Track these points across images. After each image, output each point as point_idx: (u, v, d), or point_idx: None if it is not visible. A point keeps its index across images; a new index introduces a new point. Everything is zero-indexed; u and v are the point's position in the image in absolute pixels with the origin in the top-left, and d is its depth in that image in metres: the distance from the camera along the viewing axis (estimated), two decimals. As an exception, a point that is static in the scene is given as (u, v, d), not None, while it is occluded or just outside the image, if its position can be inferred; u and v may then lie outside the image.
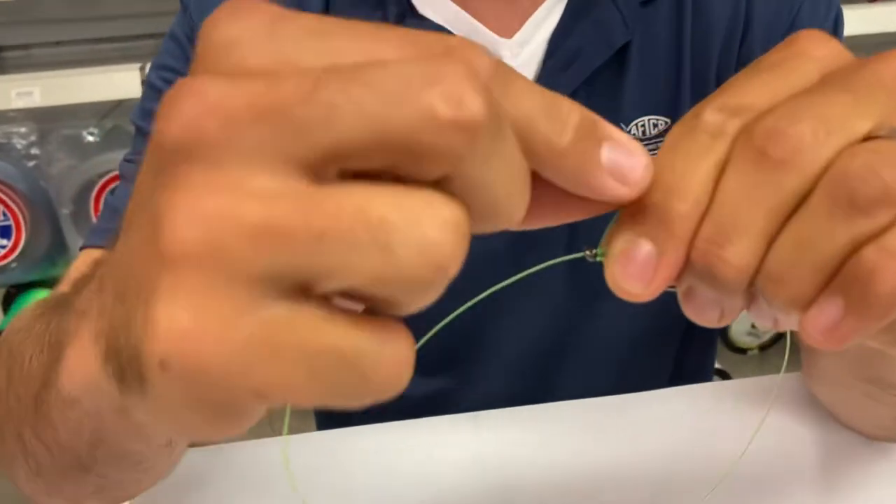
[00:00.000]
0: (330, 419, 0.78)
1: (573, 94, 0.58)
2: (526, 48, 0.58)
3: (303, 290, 0.17)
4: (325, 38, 0.18)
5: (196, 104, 0.17)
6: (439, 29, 0.57)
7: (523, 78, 0.20)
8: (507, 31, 0.58)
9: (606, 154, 0.21)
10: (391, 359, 0.18)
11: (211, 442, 0.51)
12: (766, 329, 0.25)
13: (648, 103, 0.59)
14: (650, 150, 0.60)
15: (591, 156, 0.21)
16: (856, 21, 1.13)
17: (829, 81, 0.23)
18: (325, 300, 0.18)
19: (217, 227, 0.17)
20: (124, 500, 0.45)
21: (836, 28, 0.61)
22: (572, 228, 0.61)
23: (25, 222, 1.26)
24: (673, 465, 0.53)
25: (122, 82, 1.13)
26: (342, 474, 0.54)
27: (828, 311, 0.22)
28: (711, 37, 0.58)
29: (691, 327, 0.71)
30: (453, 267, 0.17)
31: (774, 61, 0.24)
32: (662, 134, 0.60)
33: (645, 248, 0.23)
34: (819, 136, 0.21)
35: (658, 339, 0.69)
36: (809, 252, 0.21)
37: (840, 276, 0.22)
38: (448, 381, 0.69)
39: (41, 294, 1.34)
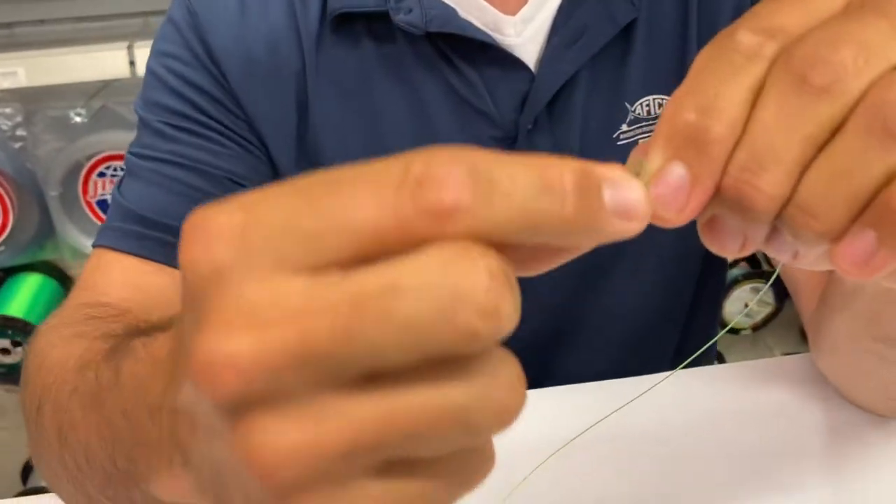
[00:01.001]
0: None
1: (578, 73, 0.57)
2: (530, 25, 0.57)
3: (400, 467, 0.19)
4: (297, 228, 0.18)
5: (237, 374, 0.18)
6: (441, 4, 0.56)
7: (505, 166, 0.19)
8: (511, 7, 0.57)
9: (608, 198, 0.20)
10: (487, 459, 0.22)
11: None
12: (783, 261, 0.25)
13: (654, 82, 0.58)
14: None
15: (597, 209, 0.20)
16: None
17: (862, 5, 0.22)
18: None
19: (303, 461, 0.18)
20: None
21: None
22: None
23: (12, 205, 1.24)
24: (677, 448, 0.53)
25: (110, 62, 1.11)
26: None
27: (860, 243, 0.22)
28: (719, 15, 0.58)
29: (694, 308, 0.71)
30: (521, 409, 0.20)
31: None
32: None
33: (678, 171, 0.22)
34: (859, 63, 0.21)
35: (661, 318, 0.69)
36: (843, 182, 0.21)
37: (872, 207, 0.21)
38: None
39: (30, 278, 1.32)
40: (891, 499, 0.49)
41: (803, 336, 1.68)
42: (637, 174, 0.23)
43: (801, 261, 0.25)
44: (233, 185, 0.58)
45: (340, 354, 0.18)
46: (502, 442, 0.52)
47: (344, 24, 0.57)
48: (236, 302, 0.18)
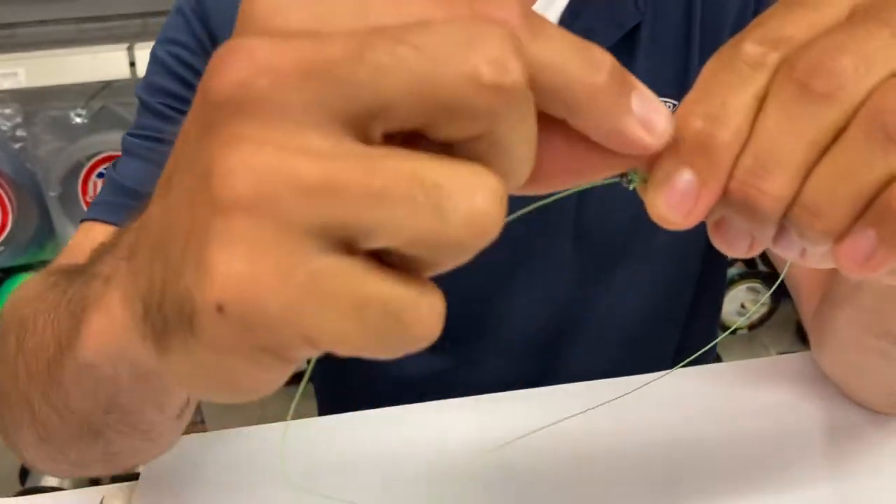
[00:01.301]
0: (331, 403, 0.78)
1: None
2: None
3: (350, 246, 0.18)
4: (355, 78, 0.18)
5: (246, 62, 0.18)
6: None
7: (553, 24, 0.20)
8: None
9: (637, 102, 0.21)
10: (428, 310, 0.19)
11: (212, 427, 0.51)
12: (792, 260, 0.25)
13: (658, 84, 0.59)
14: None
15: (622, 100, 0.21)
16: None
17: (864, 15, 0.23)
18: (370, 255, 0.18)
19: (272, 180, 0.17)
20: (127, 468, 0.46)
21: None
22: (577, 213, 0.61)
23: (12, 205, 1.24)
24: (678, 446, 0.54)
25: (110, 63, 1.11)
26: (343, 459, 0.55)
27: (861, 242, 0.23)
28: (722, 19, 0.58)
29: (694, 308, 0.71)
30: (495, 234, 0.18)
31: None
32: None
33: (686, 176, 0.23)
34: (860, 70, 0.22)
35: (661, 318, 0.69)
36: (846, 183, 0.22)
37: (872, 208, 0.22)
38: (449, 362, 0.69)
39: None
40: (888, 496, 0.50)
41: (799, 335, 1.69)
42: (630, 183, 0.24)
43: (807, 259, 0.26)
44: None
45: (348, 76, 0.17)
46: (498, 434, 0.52)
47: None
48: (270, 22, 0.19)
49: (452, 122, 0.18)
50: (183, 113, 0.57)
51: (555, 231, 0.62)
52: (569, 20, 0.57)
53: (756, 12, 0.58)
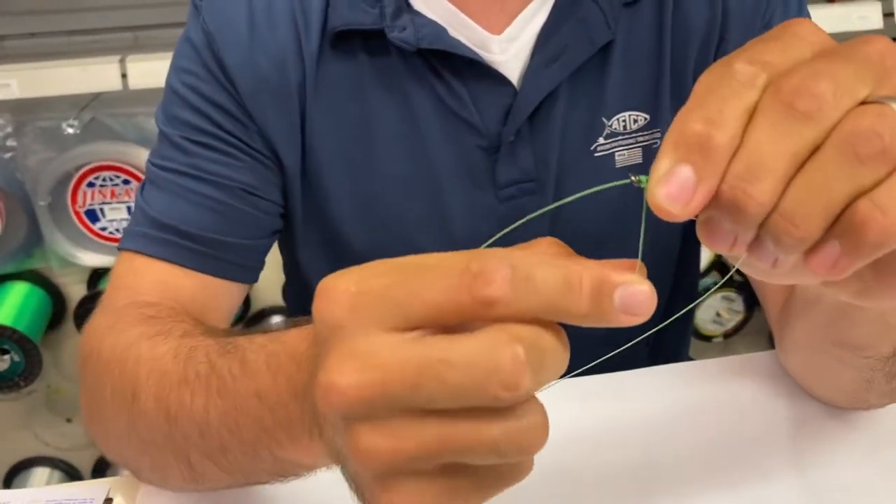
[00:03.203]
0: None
1: (558, 88, 0.61)
2: (514, 44, 0.61)
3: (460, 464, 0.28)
4: (391, 301, 0.27)
5: (343, 399, 0.27)
6: (432, 23, 0.60)
7: (537, 266, 0.27)
8: (497, 27, 0.61)
9: (618, 299, 0.26)
10: (529, 462, 0.29)
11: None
12: (761, 269, 0.29)
13: (630, 99, 0.63)
14: (630, 144, 0.64)
15: (606, 307, 0.27)
16: (815, 21, 1.18)
17: (832, 53, 0.27)
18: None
19: (394, 457, 0.27)
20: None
21: None
22: (552, 220, 0.64)
23: (1, 214, 1.26)
24: (651, 438, 0.57)
25: (102, 75, 1.13)
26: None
27: (828, 252, 0.26)
28: (690, 39, 0.62)
29: (668, 309, 0.74)
30: (545, 442, 0.28)
31: (776, 35, 0.28)
32: (643, 129, 0.64)
33: (686, 171, 0.26)
34: (836, 95, 0.26)
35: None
36: (819, 196, 0.25)
37: (839, 223, 0.26)
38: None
39: (17, 287, 1.33)
40: (847, 482, 0.53)
41: (772, 343, 1.72)
42: (640, 183, 0.28)
43: (777, 268, 0.29)
44: (246, 195, 0.62)
45: (408, 397, 0.26)
46: None
47: (342, 40, 0.61)
48: (347, 350, 0.27)
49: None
50: (199, 144, 0.61)
51: (532, 237, 0.65)
52: (544, 38, 0.61)
53: (722, 35, 0.62)
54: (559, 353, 0.27)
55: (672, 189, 0.26)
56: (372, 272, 0.28)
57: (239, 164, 0.62)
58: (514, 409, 0.26)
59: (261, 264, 0.66)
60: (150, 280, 0.60)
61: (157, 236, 0.60)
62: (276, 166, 0.64)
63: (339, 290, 0.27)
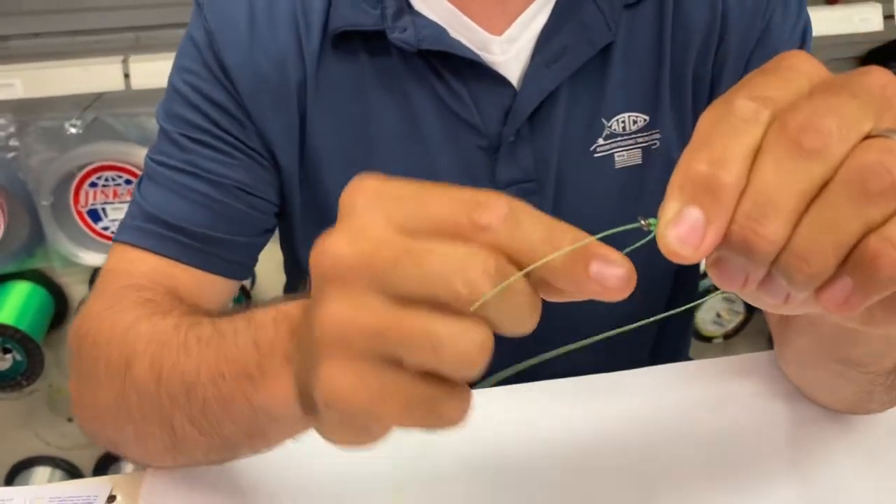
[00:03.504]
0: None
1: (558, 89, 0.61)
2: (514, 45, 0.61)
3: (399, 364, 0.29)
4: (404, 203, 0.30)
5: (332, 260, 0.30)
6: (433, 24, 0.60)
7: (531, 216, 0.29)
8: (497, 28, 0.61)
9: (594, 268, 0.28)
10: (457, 403, 0.30)
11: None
12: (775, 304, 0.29)
13: (629, 100, 0.63)
14: (630, 145, 0.64)
15: (579, 271, 0.28)
16: (815, 23, 1.18)
17: (833, 87, 0.27)
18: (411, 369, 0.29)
19: (348, 328, 0.29)
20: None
21: (804, 37, 0.65)
22: (555, 210, 0.65)
23: (3, 214, 1.26)
24: (651, 438, 0.57)
25: (104, 75, 1.13)
26: (338, 452, 0.56)
27: (840, 289, 0.26)
28: (689, 42, 0.62)
29: (669, 309, 0.75)
30: (475, 367, 0.28)
31: (773, 69, 0.28)
32: (642, 130, 0.64)
33: (695, 214, 0.26)
34: (842, 131, 0.25)
35: (638, 318, 0.72)
36: (830, 233, 0.25)
37: (850, 259, 0.26)
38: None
39: (20, 286, 1.34)
40: (846, 482, 0.53)
41: (772, 344, 1.72)
42: (649, 226, 0.28)
43: (790, 302, 0.29)
44: (241, 193, 0.63)
45: (387, 272, 0.28)
46: (491, 434, 0.54)
47: (343, 41, 0.62)
48: (349, 224, 0.30)
49: (454, 309, 0.28)
50: (197, 142, 0.62)
51: None
52: (545, 39, 0.61)
53: (721, 38, 0.62)
54: (524, 301, 0.29)
55: (682, 231, 0.26)
56: (401, 182, 0.30)
57: (235, 163, 0.62)
58: (463, 318, 0.28)
59: (253, 262, 0.67)
60: (144, 270, 0.61)
61: (151, 230, 0.61)
62: (272, 166, 0.64)
63: (367, 182, 0.30)
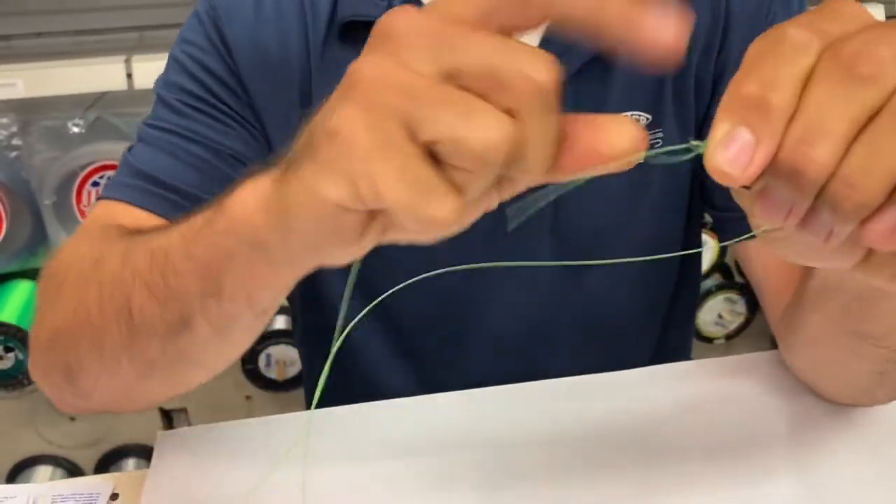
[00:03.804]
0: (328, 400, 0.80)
1: (562, 86, 0.61)
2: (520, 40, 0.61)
3: (414, 138, 0.27)
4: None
5: (402, 17, 0.28)
6: None
7: None
8: None
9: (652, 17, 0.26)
10: (448, 203, 0.28)
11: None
12: (817, 247, 0.29)
13: (633, 99, 0.63)
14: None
15: (636, 15, 0.26)
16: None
17: (883, 24, 0.26)
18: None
19: (384, 79, 0.27)
20: (177, 391, 0.50)
21: None
22: (555, 216, 0.65)
23: (6, 213, 1.26)
24: (655, 438, 0.57)
25: (107, 74, 1.14)
26: (340, 452, 0.57)
27: (888, 219, 0.26)
28: (692, 43, 0.62)
29: (670, 312, 0.75)
30: (494, 163, 0.27)
31: (821, 10, 0.28)
32: (645, 128, 0.64)
33: (745, 134, 0.26)
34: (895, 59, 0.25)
35: (640, 317, 0.73)
36: (880, 159, 0.25)
37: None
38: (434, 364, 0.72)
39: (22, 285, 1.34)
40: (847, 481, 0.53)
41: (773, 345, 1.72)
42: (697, 149, 0.27)
43: (831, 242, 0.28)
44: (235, 161, 0.63)
45: (456, 42, 0.27)
46: (493, 435, 0.54)
47: (349, 31, 0.62)
48: (397, 43, 0.28)
49: (504, 94, 0.27)
50: (195, 109, 0.62)
51: (534, 234, 0.66)
52: (549, 37, 0.61)
53: (723, 41, 0.63)
54: (556, 133, 0.28)
55: (731, 152, 0.26)
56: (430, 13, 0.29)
57: (231, 132, 0.63)
58: (499, 112, 0.27)
59: None
60: (127, 221, 0.58)
61: (140, 186, 0.60)
62: (264, 140, 0.65)
63: (408, 21, 0.29)
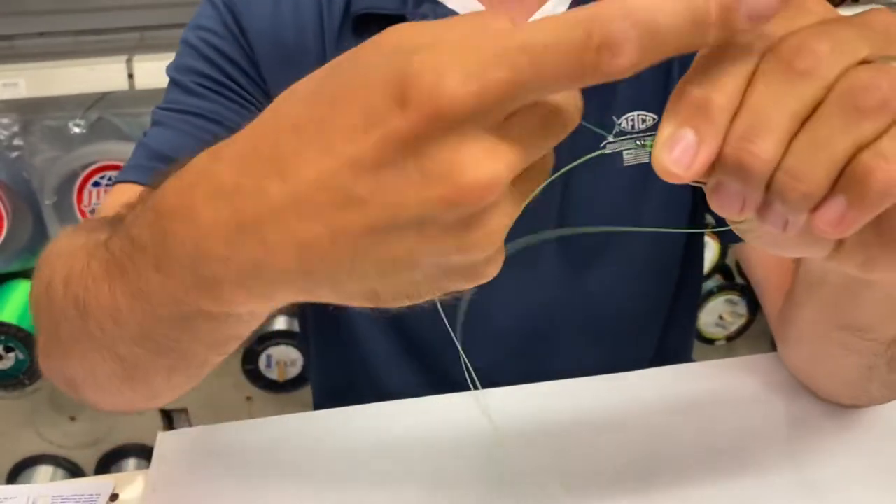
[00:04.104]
0: (329, 400, 0.80)
1: None
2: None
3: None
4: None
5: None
6: (451, 13, 0.62)
7: None
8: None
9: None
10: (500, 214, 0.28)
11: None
12: (774, 236, 0.29)
13: (639, 99, 0.63)
14: (638, 144, 0.64)
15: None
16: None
17: (832, 20, 0.27)
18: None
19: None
20: (174, 397, 0.46)
21: None
22: (560, 215, 0.65)
23: (7, 212, 1.26)
24: (655, 439, 0.57)
25: (108, 75, 1.14)
26: (341, 452, 0.57)
27: (834, 207, 0.26)
28: None
29: (671, 311, 0.75)
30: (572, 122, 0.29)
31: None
32: (651, 129, 0.64)
33: (688, 134, 0.27)
34: (835, 53, 0.26)
35: (640, 320, 0.73)
36: (822, 151, 0.26)
37: (843, 177, 0.26)
38: (438, 363, 0.72)
39: (23, 285, 1.34)
40: (846, 482, 0.53)
41: (774, 346, 1.72)
42: (646, 146, 0.28)
43: (789, 232, 0.29)
44: None
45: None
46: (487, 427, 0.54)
47: (363, 23, 0.63)
48: (452, 46, 0.25)
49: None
50: (210, 90, 0.62)
51: (540, 226, 0.66)
52: None
53: None
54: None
55: (675, 152, 0.27)
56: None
57: (246, 112, 0.63)
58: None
59: None
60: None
61: (155, 166, 0.60)
62: None
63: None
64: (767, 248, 0.33)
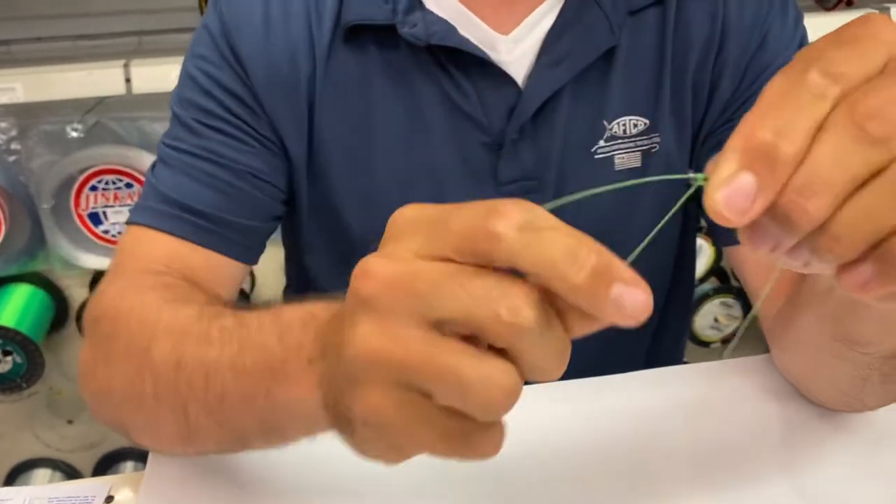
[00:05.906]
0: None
1: (561, 90, 0.62)
2: (520, 45, 0.62)
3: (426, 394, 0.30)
4: (436, 226, 0.30)
5: (373, 281, 0.30)
6: (442, 21, 0.62)
7: (555, 229, 0.28)
8: (504, 28, 0.62)
9: (616, 291, 0.27)
10: (491, 438, 0.32)
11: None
12: (789, 267, 0.29)
13: (630, 104, 0.64)
14: (630, 148, 0.65)
15: (601, 293, 0.27)
16: (812, 30, 1.18)
17: None
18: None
19: (380, 357, 0.30)
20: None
21: (801, 46, 0.66)
22: (554, 211, 0.65)
23: (5, 216, 1.27)
24: (648, 441, 0.57)
25: (106, 79, 1.14)
26: (340, 451, 0.57)
27: (862, 273, 0.27)
28: (689, 51, 0.63)
29: (664, 315, 0.75)
30: (501, 412, 0.29)
31: (852, 37, 0.27)
32: (642, 133, 0.65)
33: (748, 179, 0.26)
34: None
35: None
36: (870, 223, 0.26)
37: (880, 248, 0.26)
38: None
39: (20, 289, 1.34)
40: (840, 484, 0.53)
41: (768, 349, 1.73)
42: (696, 181, 0.28)
43: (809, 269, 0.29)
44: (253, 178, 0.64)
45: (429, 296, 0.29)
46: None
47: (354, 35, 0.63)
48: (388, 251, 0.30)
49: (488, 336, 0.28)
50: (210, 128, 0.63)
51: None
52: (550, 41, 0.62)
53: (720, 49, 0.63)
54: (559, 340, 0.29)
55: (731, 195, 0.26)
56: (436, 206, 0.31)
57: (248, 149, 0.64)
58: (495, 360, 0.29)
59: (262, 247, 0.68)
60: (158, 253, 0.61)
61: (166, 211, 0.62)
62: (283, 155, 0.66)
63: (406, 210, 0.31)
64: (777, 262, 0.34)
